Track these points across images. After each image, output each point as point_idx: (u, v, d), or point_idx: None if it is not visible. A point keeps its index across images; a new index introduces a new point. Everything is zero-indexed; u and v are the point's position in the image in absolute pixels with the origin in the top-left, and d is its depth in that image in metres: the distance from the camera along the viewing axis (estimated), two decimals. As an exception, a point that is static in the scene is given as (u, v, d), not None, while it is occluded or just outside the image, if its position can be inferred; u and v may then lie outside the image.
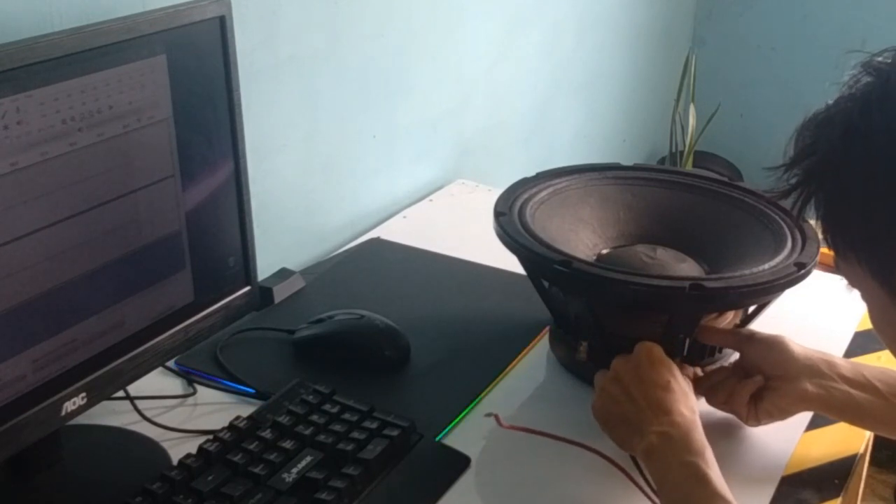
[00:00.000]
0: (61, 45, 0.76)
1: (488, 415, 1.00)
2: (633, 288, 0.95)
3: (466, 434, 1.00)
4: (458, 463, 0.95)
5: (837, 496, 0.94)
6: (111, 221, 0.84)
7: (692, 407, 0.88)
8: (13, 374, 0.78)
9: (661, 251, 1.08)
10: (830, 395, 0.94)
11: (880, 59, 0.68)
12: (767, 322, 1.07)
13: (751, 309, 1.07)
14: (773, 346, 0.97)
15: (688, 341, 1.00)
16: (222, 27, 0.90)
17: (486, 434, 1.00)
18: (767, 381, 0.96)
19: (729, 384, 0.98)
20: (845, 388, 0.93)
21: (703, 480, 0.81)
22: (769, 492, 0.93)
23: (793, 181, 0.72)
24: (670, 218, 1.15)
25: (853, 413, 0.95)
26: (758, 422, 0.98)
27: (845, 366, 0.95)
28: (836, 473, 0.97)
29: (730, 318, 1.06)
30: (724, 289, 0.96)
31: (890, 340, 0.75)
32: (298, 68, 1.30)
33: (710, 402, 1.00)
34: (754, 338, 0.99)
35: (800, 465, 0.97)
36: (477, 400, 1.05)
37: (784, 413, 0.97)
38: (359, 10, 1.38)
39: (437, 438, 0.98)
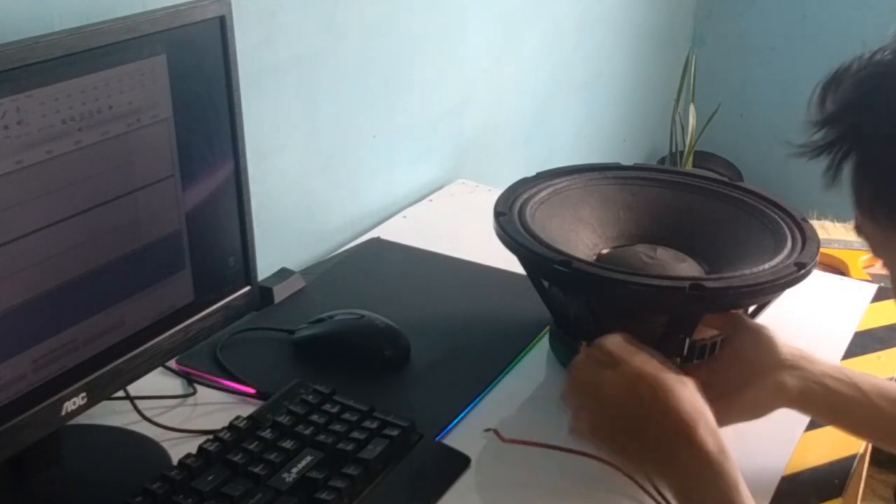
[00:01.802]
0: (61, 45, 0.76)
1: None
2: (633, 288, 0.95)
3: (466, 434, 1.00)
4: (458, 463, 0.95)
5: (837, 496, 0.94)
6: (111, 221, 0.84)
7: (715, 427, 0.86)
8: (13, 374, 0.78)
9: (661, 251, 1.08)
10: (809, 389, 0.91)
11: None
12: (767, 322, 1.06)
13: (751, 309, 1.07)
14: (759, 334, 0.95)
15: (688, 341, 1.00)
16: (222, 27, 0.90)
17: (486, 434, 1.00)
18: (746, 375, 0.93)
19: (688, 369, 0.93)
20: (825, 382, 0.91)
21: (724, 475, 0.78)
22: (769, 492, 0.93)
23: (830, 138, 0.68)
24: (670, 218, 1.15)
25: (831, 409, 0.92)
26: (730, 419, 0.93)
27: (829, 364, 0.94)
28: (836, 473, 0.97)
29: (730, 318, 1.06)
30: (724, 289, 0.96)
31: None
32: (298, 68, 1.30)
33: None
34: (742, 323, 0.97)
35: (800, 465, 0.97)
36: (477, 400, 1.05)
37: (761, 408, 0.94)
38: (359, 10, 1.38)
39: (437, 438, 0.98)
